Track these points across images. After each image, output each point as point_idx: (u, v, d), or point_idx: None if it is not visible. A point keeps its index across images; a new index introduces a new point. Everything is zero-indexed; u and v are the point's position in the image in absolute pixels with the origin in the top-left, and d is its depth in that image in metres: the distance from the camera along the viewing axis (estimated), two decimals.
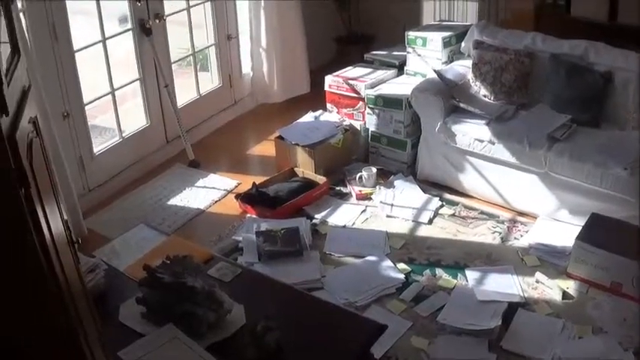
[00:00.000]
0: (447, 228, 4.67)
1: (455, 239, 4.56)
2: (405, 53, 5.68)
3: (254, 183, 5.03)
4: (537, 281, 4.12)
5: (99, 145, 5.34)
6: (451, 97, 4.97)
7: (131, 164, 5.52)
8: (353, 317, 3.20)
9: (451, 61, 5.49)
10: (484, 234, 4.59)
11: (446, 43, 5.48)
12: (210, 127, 6.26)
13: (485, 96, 5.06)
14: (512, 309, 3.88)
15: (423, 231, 4.66)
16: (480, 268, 4.25)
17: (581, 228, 4.22)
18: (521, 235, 4.56)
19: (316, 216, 4.85)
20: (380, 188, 5.08)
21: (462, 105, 4.92)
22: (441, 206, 4.90)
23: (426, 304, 3.98)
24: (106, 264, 3.24)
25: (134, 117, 5.67)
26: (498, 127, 4.73)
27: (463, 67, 5.28)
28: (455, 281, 4.15)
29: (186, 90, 6.07)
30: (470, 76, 5.16)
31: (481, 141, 4.73)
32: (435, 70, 5.23)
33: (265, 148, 5.88)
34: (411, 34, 5.60)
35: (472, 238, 4.57)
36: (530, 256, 4.34)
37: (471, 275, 4.19)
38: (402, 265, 4.30)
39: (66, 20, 4.73)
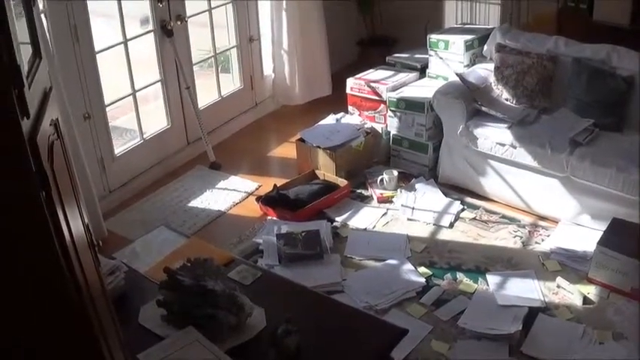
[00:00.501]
0: (468, 232, 4.65)
1: (476, 243, 4.54)
2: (426, 56, 5.67)
3: (275, 185, 5.03)
4: (558, 286, 4.09)
5: (120, 147, 5.36)
6: (473, 101, 4.94)
7: (152, 166, 5.53)
8: (373, 321, 3.18)
9: (473, 64, 5.47)
10: (505, 238, 4.57)
11: (468, 46, 5.46)
12: (231, 129, 6.26)
13: (507, 99, 5.04)
14: (532, 314, 3.86)
15: (444, 234, 4.64)
16: (500, 273, 4.22)
17: (602, 233, 4.19)
18: (543, 240, 4.53)
19: (337, 219, 4.84)
20: (401, 191, 5.06)
21: (483, 108, 4.89)
22: (462, 210, 4.88)
23: (446, 309, 3.96)
24: (126, 266, 3.23)
25: (155, 118, 5.68)
26: (520, 130, 4.70)
27: (485, 71, 5.26)
28: (475, 285, 4.13)
29: (207, 91, 6.08)
30: (492, 79, 5.14)
31: (503, 145, 4.71)
32: (457, 73, 5.20)
33: (286, 151, 5.89)
34: (433, 37, 5.58)
35: (493, 242, 4.54)
36: (551, 261, 4.31)
37: (492, 279, 4.16)
38: (422, 269, 4.28)
39: (87, 22, 4.75)
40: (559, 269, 4.24)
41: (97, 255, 2.29)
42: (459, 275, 4.23)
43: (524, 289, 4.06)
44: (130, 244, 3.69)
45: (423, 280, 4.18)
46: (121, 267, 3.17)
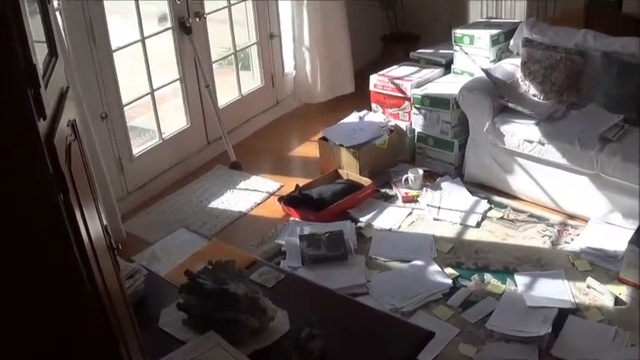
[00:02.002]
0: (495, 231, 4.63)
1: (503, 243, 4.52)
2: (451, 51, 5.66)
3: (297, 185, 5.04)
4: (588, 286, 4.06)
5: (138, 147, 5.38)
6: (499, 97, 4.92)
7: (171, 166, 5.55)
8: (399, 324, 3.17)
9: (499, 60, 5.44)
10: (534, 237, 4.54)
11: (494, 41, 5.43)
12: (251, 128, 6.27)
13: (534, 95, 5.01)
14: (562, 315, 3.84)
15: (471, 234, 4.63)
16: (529, 273, 4.20)
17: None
18: (572, 239, 4.51)
19: (361, 219, 4.83)
20: (426, 190, 5.05)
21: (510, 105, 4.87)
22: (489, 209, 4.86)
23: (473, 310, 3.95)
24: (145, 269, 3.23)
25: (174, 118, 5.69)
26: (548, 127, 4.67)
27: (512, 66, 5.23)
28: (504, 286, 4.11)
29: (227, 90, 6.08)
30: (519, 74, 5.11)
31: (530, 142, 4.68)
32: (482, 69, 5.18)
33: (308, 150, 5.89)
34: (458, 32, 5.56)
35: (521, 241, 4.52)
36: (581, 261, 4.28)
37: (521, 280, 4.14)
38: (449, 270, 4.27)
39: (104, 19, 4.76)
40: (589, 269, 4.21)
41: (117, 258, 2.29)
42: (487, 276, 4.21)
43: (554, 290, 4.03)
44: (149, 246, 3.71)
45: (449, 281, 4.17)
46: (140, 270, 3.18)
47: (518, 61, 5.18)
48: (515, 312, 3.89)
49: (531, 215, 4.78)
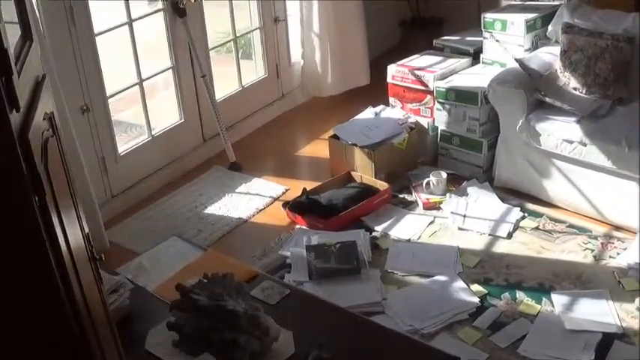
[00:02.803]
0: (529, 243, 4.61)
1: (539, 257, 4.50)
2: (480, 39, 5.65)
3: (304, 189, 5.02)
4: (638, 309, 4.03)
5: (124, 144, 5.38)
6: (535, 91, 4.91)
7: (162, 166, 5.55)
8: (419, 347, 3.18)
9: (535, 48, 5.43)
10: (574, 251, 4.52)
11: (529, 27, 5.42)
12: (253, 124, 6.28)
13: (575, 89, 4.99)
14: (607, 341, 3.80)
15: (501, 247, 4.61)
16: (568, 292, 4.17)
17: None
18: (618, 253, 4.48)
19: (376, 228, 4.83)
20: (450, 196, 5.04)
21: (547, 100, 4.85)
22: (523, 218, 4.85)
23: (504, 333, 3.92)
24: (131, 283, 3.26)
25: (165, 112, 5.71)
26: (591, 125, 4.66)
27: (550, 55, 5.21)
28: (539, 306, 4.08)
29: (226, 81, 6.10)
30: (558, 65, 5.09)
31: (570, 142, 4.67)
32: (516, 59, 5.16)
33: (317, 149, 5.90)
34: (488, 17, 5.55)
35: (559, 255, 4.50)
36: (629, 279, 4.25)
37: (558, 300, 4.11)
38: (476, 287, 4.25)
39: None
40: (638, 289, 4.19)
41: (99, 270, 2.29)
42: (519, 294, 4.19)
43: (597, 312, 4.01)
44: (136, 257, 3.73)
45: (476, 299, 4.15)
46: (125, 284, 3.20)
47: (557, 49, 5.16)
48: (552, 336, 3.86)
49: (571, 225, 4.76)
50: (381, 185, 5.14)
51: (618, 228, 4.69)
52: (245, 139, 6.11)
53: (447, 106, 5.31)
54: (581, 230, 4.71)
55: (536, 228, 4.75)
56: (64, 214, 1.81)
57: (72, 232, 1.88)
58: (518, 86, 4.89)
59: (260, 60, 6.37)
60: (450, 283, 4.29)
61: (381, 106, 5.75)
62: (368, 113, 5.70)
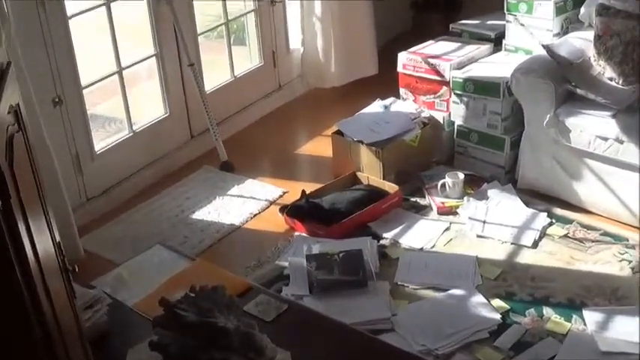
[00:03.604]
0: (557, 253, 4.61)
1: (568, 269, 4.49)
2: (503, 22, 5.65)
3: (303, 192, 5.04)
4: None
5: (101, 141, 5.39)
6: (565, 81, 4.90)
7: (144, 166, 5.56)
8: None
9: (565, 33, 5.43)
10: (608, 262, 4.52)
11: (559, 9, 5.42)
12: (247, 119, 6.30)
13: (611, 79, 4.98)
14: None
15: (526, 257, 4.61)
16: (602, 309, 4.16)
17: None
18: None
19: (385, 235, 4.83)
20: (469, 200, 5.04)
21: (579, 91, 4.85)
22: (550, 224, 4.84)
23: (529, 355, 3.91)
24: (109, 297, 3.26)
25: (148, 105, 5.73)
26: (628, 120, 4.65)
27: (582, 41, 5.21)
28: (569, 325, 4.07)
29: (216, 70, 6.12)
30: (591, 52, 5.09)
31: (605, 139, 4.67)
32: (543, 45, 5.15)
33: (319, 147, 5.91)
34: None
35: (592, 267, 4.49)
36: None
37: (591, 317, 4.10)
38: (497, 302, 4.24)
39: None
40: None
41: (72, 283, 2.28)
42: (547, 311, 4.18)
43: (635, 331, 3.99)
44: (114, 268, 3.73)
45: (497, 316, 4.13)
46: (102, 298, 3.20)
47: (590, 34, 5.14)
48: (585, 358, 3.85)
49: (605, 233, 4.76)
50: (391, 187, 5.14)
51: None
52: (238, 135, 6.12)
53: (465, 99, 5.31)
54: (617, 239, 4.71)
55: (566, 236, 4.75)
56: (31, 219, 1.81)
57: (41, 241, 1.87)
58: (545, 76, 4.88)
59: (255, 46, 6.38)
60: (467, 298, 4.28)
61: (391, 99, 5.75)
62: (376, 107, 5.70)
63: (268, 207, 5.24)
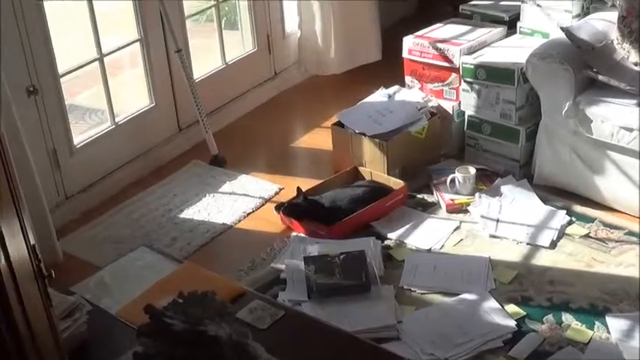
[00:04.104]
0: (577, 254, 4.61)
1: (590, 271, 4.48)
2: (518, 3, 5.67)
3: (299, 189, 5.02)
4: None
5: (81, 134, 5.39)
6: (586, 67, 4.90)
7: (128, 161, 5.57)
8: None
9: (586, 14, 5.44)
10: (633, 264, 4.51)
11: None
12: (240, 110, 6.32)
13: (636, 64, 4.98)
14: None
15: (543, 258, 4.60)
16: (627, 315, 4.15)
17: None
18: None
19: (389, 235, 4.83)
20: (480, 196, 5.04)
21: (601, 77, 4.84)
22: (570, 223, 4.84)
23: None
24: (90, 304, 3.25)
25: (132, 94, 5.73)
26: None
27: (604, 23, 5.22)
28: (591, 332, 4.06)
29: (206, 56, 6.15)
30: (614, 35, 5.09)
31: (629, 129, 4.67)
32: (562, 28, 5.15)
33: (318, 140, 5.92)
34: None
35: (615, 270, 4.49)
36: None
37: (615, 324, 4.09)
38: (512, 308, 4.24)
39: None
40: None
41: (47, 290, 2.26)
42: (566, 317, 4.17)
43: None
44: (96, 272, 3.71)
45: (512, 323, 4.13)
46: (82, 305, 3.19)
47: (613, 15, 5.15)
48: None
49: (629, 233, 4.75)
50: (396, 183, 5.15)
51: None
52: (230, 127, 6.14)
53: (477, 87, 5.30)
54: None
55: (587, 236, 4.75)
56: (2, 220, 1.79)
57: (13, 244, 1.86)
58: (564, 61, 4.87)
59: (248, 30, 6.39)
60: (479, 303, 4.27)
61: (396, 87, 5.75)
62: (379, 96, 5.71)
63: (263, 205, 5.25)
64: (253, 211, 5.19)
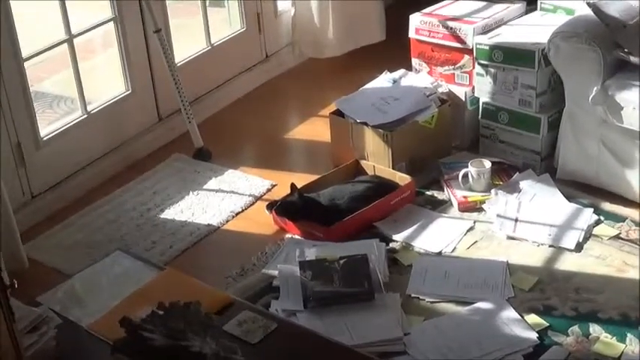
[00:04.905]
0: (607, 258, 4.60)
1: (620, 277, 4.48)
2: None
3: (293, 185, 5.01)
4: None
5: (49, 125, 5.41)
6: (616, 47, 4.89)
7: (101, 155, 5.58)
8: None
9: None
10: None
11: None
12: (227, 97, 6.34)
13: None
14: None
15: (568, 262, 4.59)
16: None
17: None
18: None
19: (395, 237, 4.83)
20: (497, 193, 5.04)
21: (633, 59, 4.84)
22: (597, 223, 4.84)
23: None
24: (59, 316, 3.24)
25: (106, 80, 5.71)
26: None
27: None
28: (622, 345, 4.05)
29: (189, 37, 6.17)
30: None
31: None
32: (589, 3, 5.14)
33: (314, 130, 5.95)
34: None
35: None
36: None
37: None
38: (533, 318, 4.23)
39: None
40: None
41: (9, 301, 2.25)
42: (594, 329, 4.15)
43: None
44: (65, 280, 3.70)
45: (534, 335, 4.12)
46: (50, 319, 3.18)
47: None
48: None
49: None
50: (402, 179, 5.15)
51: None
52: (216, 116, 6.16)
53: (492, 70, 5.30)
54: None
55: (617, 237, 4.75)
56: None
57: None
58: (591, 41, 4.87)
59: (235, 8, 6.40)
60: (496, 313, 4.27)
61: (401, 71, 5.76)
62: (383, 81, 5.71)
63: (253, 204, 5.26)
64: (242, 211, 5.20)
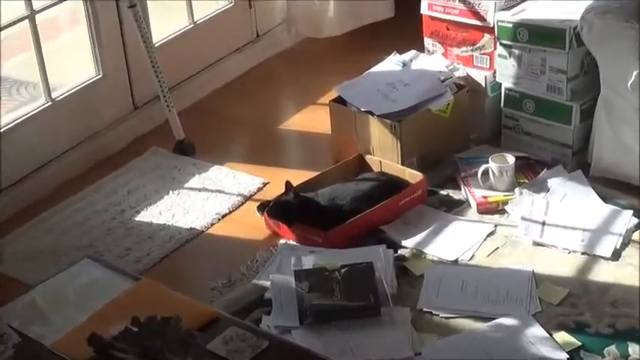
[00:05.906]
0: None
1: None
2: None
3: (288, 183, 5.00)
4: None
5: (8, 114, 5.42)
6: None
7: (69, 148, 5.59)
8: None
9: None
10: None
11: None
12: (213, 82, 6.36)
13: None
14: None
15: (603, 272, 4.59)
16: None
17: None
18: None
19: (404, 243, 4.83)
20: (521, 193, 5.03)
21: None
22: (637, 227, 4.82)
23: None
24: (18, 334, 3.22)
25: (73, 62, 5.70)
26: None
27: None
28: None
29: (168, 13, 6.14)
30: None
31: None
32: None
33: (312, 120, 5.96)
34: None
35: None
36: None
37: None
38: (563, 336, 4.21)
39: None
40: None
41: None
42: (633, 348, 4.14)
43: None
44: (26, 291, 3.69)
45: (564, 356, 4.10)
46: (7, 336, 3.17)
47: None
48: None
49: None
50: (412, 176, 5.15)
51: None
52: (200, 104, 6.19)
53: (516, 52, 5.30)
54: None
55: None
56: None
57: None
58: (629, 18, 4.87)
59: None
60: (521, 330, 4.26)
61: (412, 53, 5.76)
62: (391, 63, 5.71)
63: (242, 204, 5.26)
64: (230, 213, 5.20)
